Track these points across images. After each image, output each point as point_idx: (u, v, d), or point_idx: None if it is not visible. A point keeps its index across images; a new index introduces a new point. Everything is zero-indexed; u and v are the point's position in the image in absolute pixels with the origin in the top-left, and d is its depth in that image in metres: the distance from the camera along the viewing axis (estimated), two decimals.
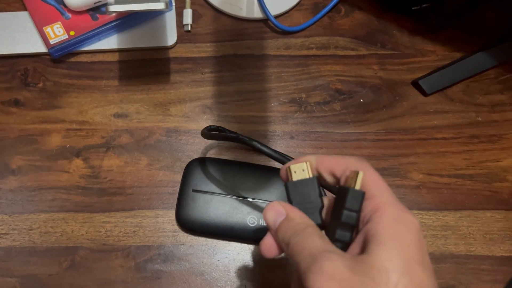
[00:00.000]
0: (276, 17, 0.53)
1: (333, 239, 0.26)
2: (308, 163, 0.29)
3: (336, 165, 0.28)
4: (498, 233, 0.45)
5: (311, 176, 0.29)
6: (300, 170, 0.29)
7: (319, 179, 0.29)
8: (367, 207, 0.26)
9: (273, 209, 0.29)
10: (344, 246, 0.26)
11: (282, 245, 0.28)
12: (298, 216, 0.28)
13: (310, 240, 0.25)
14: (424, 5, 0.52)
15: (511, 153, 0.49)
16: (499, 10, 0.54)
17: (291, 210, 0.28)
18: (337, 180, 0.29)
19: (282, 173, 0.31)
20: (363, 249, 0.24)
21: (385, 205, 0.25)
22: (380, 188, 0.26)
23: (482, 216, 0.46)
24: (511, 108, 0.50)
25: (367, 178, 0.27)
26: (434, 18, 0.53)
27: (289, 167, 0.29)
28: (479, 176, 0.48)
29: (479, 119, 0.50)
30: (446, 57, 0.52)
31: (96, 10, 0.51)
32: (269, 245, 0.29)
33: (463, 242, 0.45)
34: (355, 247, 0.26)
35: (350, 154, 0.48)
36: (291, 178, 0.29)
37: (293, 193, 0.29)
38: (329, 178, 0.29)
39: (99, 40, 0.51)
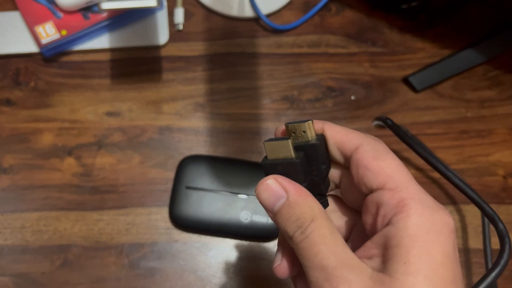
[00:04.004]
0: (267, 16, 0.54)
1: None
2: (310, 122, 0.24)
3: (347, 140, 0.24)
4: (489, 227, 0.46)
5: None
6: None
7: (325, 141, 0.25)
8: (389, 201, 0.21)
9: (268, 190, 0.23)
10: (324, 199, 0.25)
11: (284, 235, 0.23)
12: (301, 200, 0.22)
13: (320, 245, 0.21)
14: (413, 3, 0.53)
15: (501, 147, 0.49)
16: (486, 6, 0.54)
17: (291, 190, 0.23)
18: (344, 157, 0.24)
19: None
20: (384, 258, 0.21)
21: (411, 201, 0.21)
22: (403, 178, 0.22)
23: (472, 210, 0.47)
24: (499, 104, 0.51)
25: (388, 164, 0.22)
26: (423, 16, 0.54)
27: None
28: (470, 170, 0.48)
29: (469, 114, 0.51)
30: (435, 54, 0.53)
31: (87, 9, 0.51)
32: (283, 267, 0.25)
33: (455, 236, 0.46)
34: (372, 248, 0.22)
35: None
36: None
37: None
38: (335, 153, 0.25)
39: (91, 39, 0.51)
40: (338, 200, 0.27)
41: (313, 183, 0.24)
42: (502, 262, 0.23)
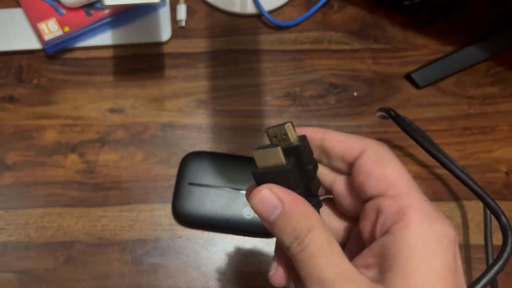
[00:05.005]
0: (270, 12, 0.54)
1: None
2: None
3: (350, 148, 0.23)
4: (492, 222, 0.46)
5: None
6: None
7: (307, 140, 0.25)
8: (389, 208, 0.21)
9: (262, 200, 0.22)
10: (316, 200, 0.25)
11: (281, 246, 0.23)
12: (296, 210, 0.22)
13: (318, 257, 0.20)
14: (415, 0, 0.53)
15: (503, 144, 0.49)
16: (488, 3, 0.54)
17: (286, 200, 0.22)
18: (347, 165, 0.24)
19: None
20: (382, 269, 0.20)
21: (411, 210, 0.20)
22: (405, 185, 0.21)
23: (475, 206, 0.47)
24: (502, 100, 0.51)
25: (390, 171, 0.22)
26: (425, 13, 0.54)
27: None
28: (472, 167, 0.48)
29: (471, 111, 0.51)
30: (437, 50, 0.53)
31: (90, 6, 0.51)
32: (279, 275, 0.24)
33: (457, 232, 0.46)
34: (369, 257, 0.21)
35: None
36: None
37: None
38: (337, 163, 0.24)
39: (94, 36, 0.51)
40: (333, 203, 0.27)
41: (303, 186, 0.24)
42: (505, 255, 0.23)
